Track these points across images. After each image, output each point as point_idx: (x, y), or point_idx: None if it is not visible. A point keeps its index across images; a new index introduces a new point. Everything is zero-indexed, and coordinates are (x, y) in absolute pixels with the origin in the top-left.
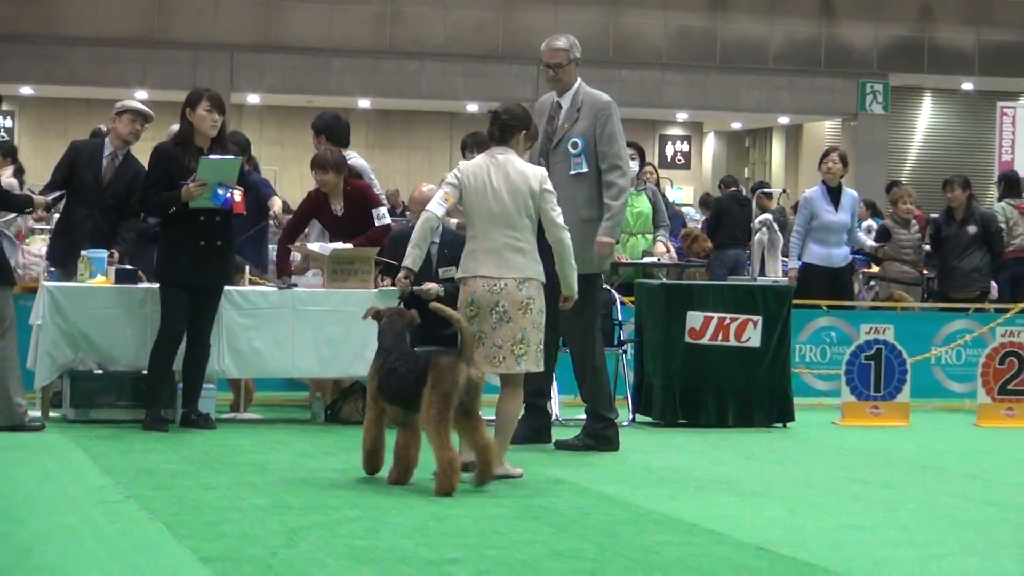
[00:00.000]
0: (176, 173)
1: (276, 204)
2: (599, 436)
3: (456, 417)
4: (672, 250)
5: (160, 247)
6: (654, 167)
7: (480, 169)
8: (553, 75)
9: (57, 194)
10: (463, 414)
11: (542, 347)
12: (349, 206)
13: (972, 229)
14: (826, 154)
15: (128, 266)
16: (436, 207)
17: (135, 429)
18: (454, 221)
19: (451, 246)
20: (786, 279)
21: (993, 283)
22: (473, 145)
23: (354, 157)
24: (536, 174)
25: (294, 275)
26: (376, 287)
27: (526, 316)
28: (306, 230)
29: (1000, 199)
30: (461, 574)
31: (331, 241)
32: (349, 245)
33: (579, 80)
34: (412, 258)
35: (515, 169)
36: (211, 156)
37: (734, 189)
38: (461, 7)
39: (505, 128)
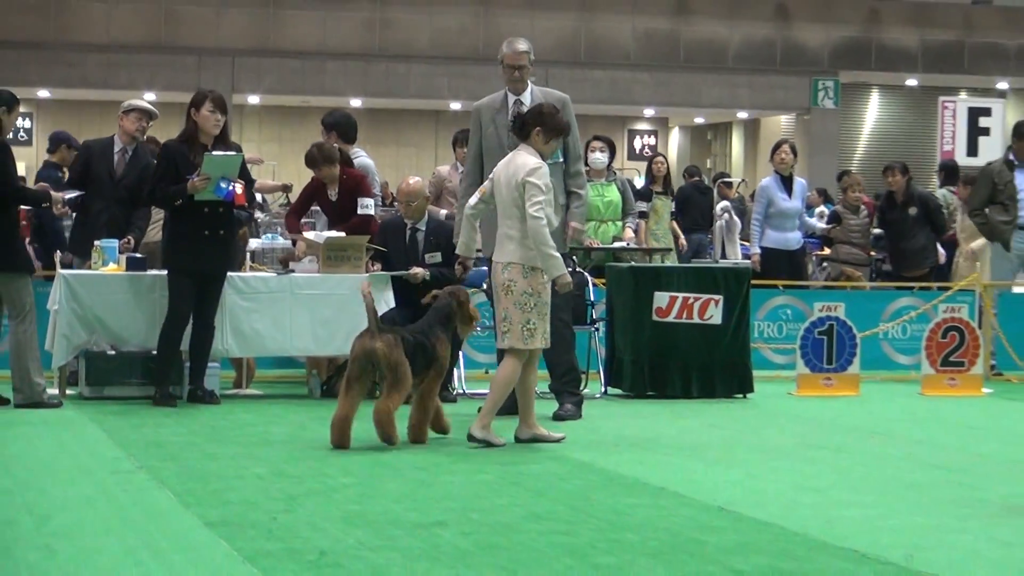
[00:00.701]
0: (182, 168)
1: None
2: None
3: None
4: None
5: (167, 236)
6: None
7: (501, 164)
8: (518, 76)
9: (76, 193)
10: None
11: (532, 326)
12: (343, 193)
13: (913, 211)
14: (778, 146)
15: (139, 254)
16: (472, 199)
17: (146, 405)
18: (443, 212)
19: (436, 233)
20: (748, 262)
21: (941, 251)
22: (463, 140)
23: (360, 156)
24: (526, 166)
25: (291, 262)
26: (367, 272)
27: (508, 297)
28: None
29: (941, 186)
30: (447, 535)
31: (328, 223)
32: (342, 234)
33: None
34: (461, 247)
35: (516, 163)
36: (215, 152)
37: (696, 179)
38: (444, 13)
39: (523, 125)
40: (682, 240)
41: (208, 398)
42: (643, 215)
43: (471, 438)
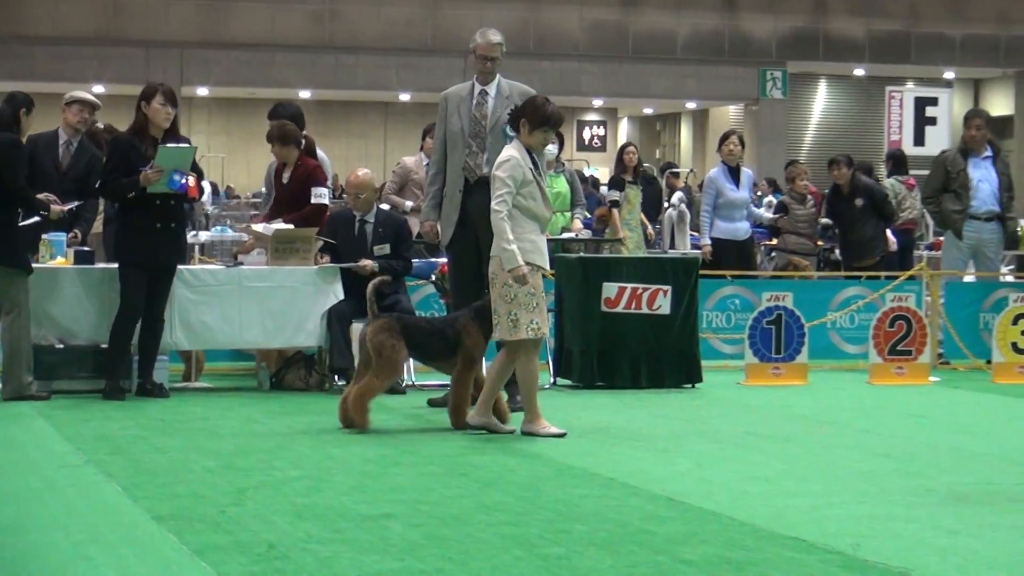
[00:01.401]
0: (134, 160)
1: None
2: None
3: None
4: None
5: (118, 229)
6: None
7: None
8: (490, 67)
9: (74, 203)
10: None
11: (514, 317)
12: (295, 179)
13: (860, 202)
14: (726, 137)
15: (86, 247)
16: None
17: (94, 399)
18: (408, 203)
19: (384, 225)
20: (697, 252)
21: (891, 237)
22: (433, 132)
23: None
24: (498, 159)
25: (240, 254)
26: (316, 264)
27: (493, 290)
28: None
29: (889, 176)
30: (396, 527)
31: (275, 209)
32: (291, 226)
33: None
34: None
35: (498, 157)
36: (168, 145)
37: (645, 166)
38: (393, 4)
39: (513, 119)
40: (650, 230)
41: (157, 391)
42: (615, 204)
43: (467, 425)
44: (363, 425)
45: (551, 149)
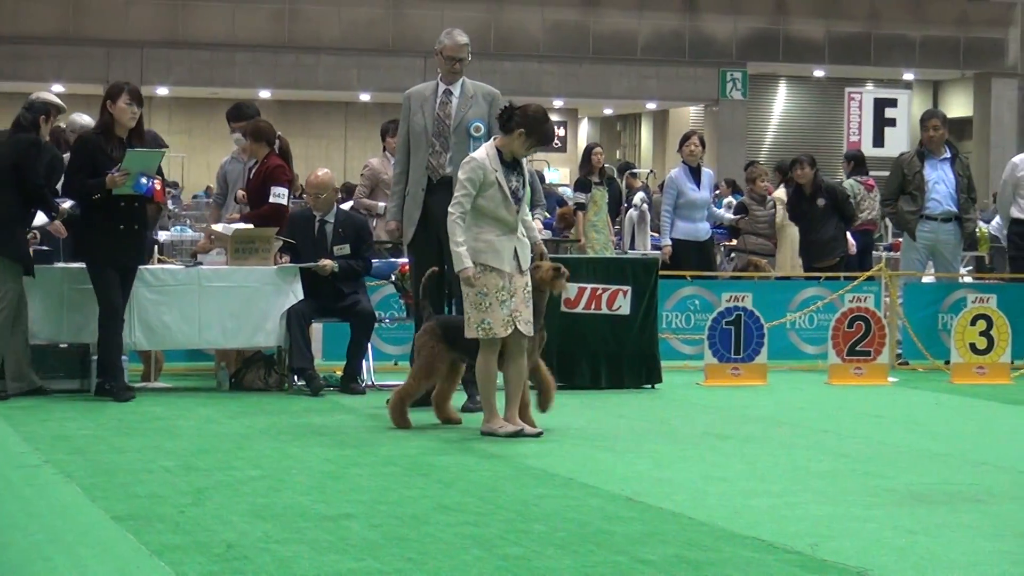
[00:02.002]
0: (99, 161)
1: None
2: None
3: None
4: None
5: (83, 230)
6: None
7: None
8: (457, 68)
9: (70, 203)
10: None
11: (468, 315)
12: (257, 176)
13: (822, 202)
14: (687, 137)
15: (45, 247)
16: None
17: (53, 399)
18: (382, 205)
19: (344, 225)
20: (658, 252)
21: (851, 240)
22: (393, 131)
23: None
24: (463, 160)
25: (199, 254)
26: (275, 264)
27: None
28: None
29: (848, 176)
30: (355, 527)
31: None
32: (251, 225)
33: None
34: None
35: None
36: (137, 148)
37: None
38: (354, 5)
39: (509, 118)
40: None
41: (117, 394)
42: (581, 206)
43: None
44: (401, 426)
45: None
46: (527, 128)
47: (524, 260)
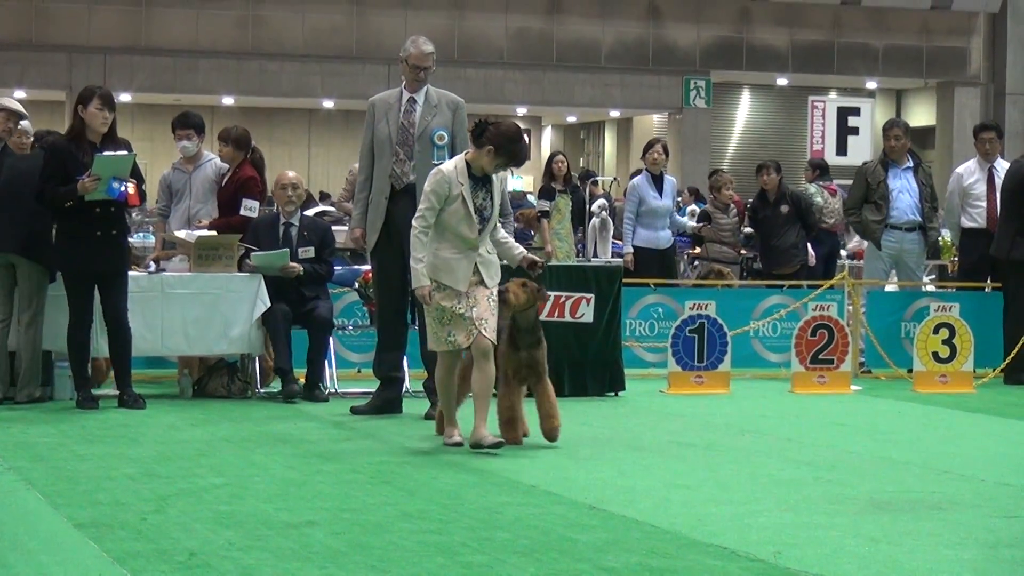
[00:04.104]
0: (71, 168)
1: None
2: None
3: None
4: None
5: (59, 238)
6: None
7: None
8: (422, 76)
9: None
10: None
11: (433, 330)
12: (229, 184)
13: (785, 209)
14: (650, 145)
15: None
16: None
17: (10, 407)
18: (348, 204)
19: (308, 229)
20: (620, 260)
21: (811, 251)
22: None
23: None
24: (430, 172)
25: (162, 261)
26: (239, 271)
27: None
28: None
29: (811, 182)
30: (318, 535)
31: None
32: (213, 232)
33: None
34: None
35: None
36: (106, 152)
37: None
38: (317, 11)
39: (481, 133)
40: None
41: (132, 403)
42: (545, 214)
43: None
44: (509, 441)
45: None
46: (496, 145)
47: (489, 277)
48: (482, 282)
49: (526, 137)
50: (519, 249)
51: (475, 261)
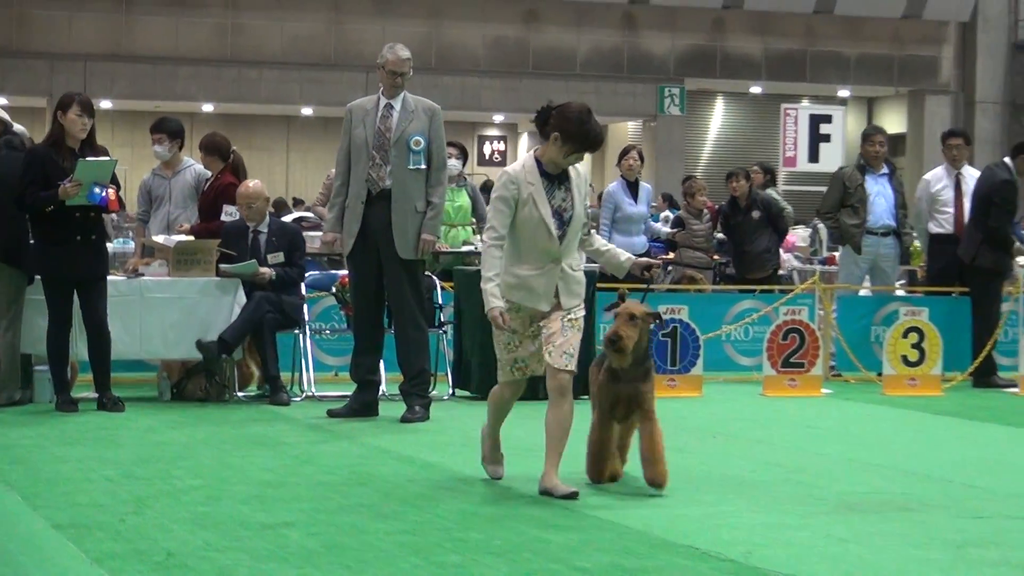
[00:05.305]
0: (51, 173)
1: None
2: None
3: None
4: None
5: (38, 243)
6: None
7: None
8: (399, 82)
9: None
10: None
11: (503, 360)
12: (210, 190)
13: (756, 214)
14: (626, 152)
15: None
16: None
17: None
18: (323, 208)
19: (277, 235)
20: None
21: (783, 255)
22: None
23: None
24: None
25: (140, 267)
26: (217, 275)
27: None
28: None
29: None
30: (294, 536)
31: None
32: (191, 237)
33: None
34: None
35: None
36: (88, 158)
37: None
38: (296, 19)
39: (545, 121)
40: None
41: (112, 406)
42: None
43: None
44: (593, 480)
45: (454, 164)
46: (561, 131)
47: (568, 297)
48: (559, 305)
49: (594, 118)
50: (626, 255)
51: (557, 278)
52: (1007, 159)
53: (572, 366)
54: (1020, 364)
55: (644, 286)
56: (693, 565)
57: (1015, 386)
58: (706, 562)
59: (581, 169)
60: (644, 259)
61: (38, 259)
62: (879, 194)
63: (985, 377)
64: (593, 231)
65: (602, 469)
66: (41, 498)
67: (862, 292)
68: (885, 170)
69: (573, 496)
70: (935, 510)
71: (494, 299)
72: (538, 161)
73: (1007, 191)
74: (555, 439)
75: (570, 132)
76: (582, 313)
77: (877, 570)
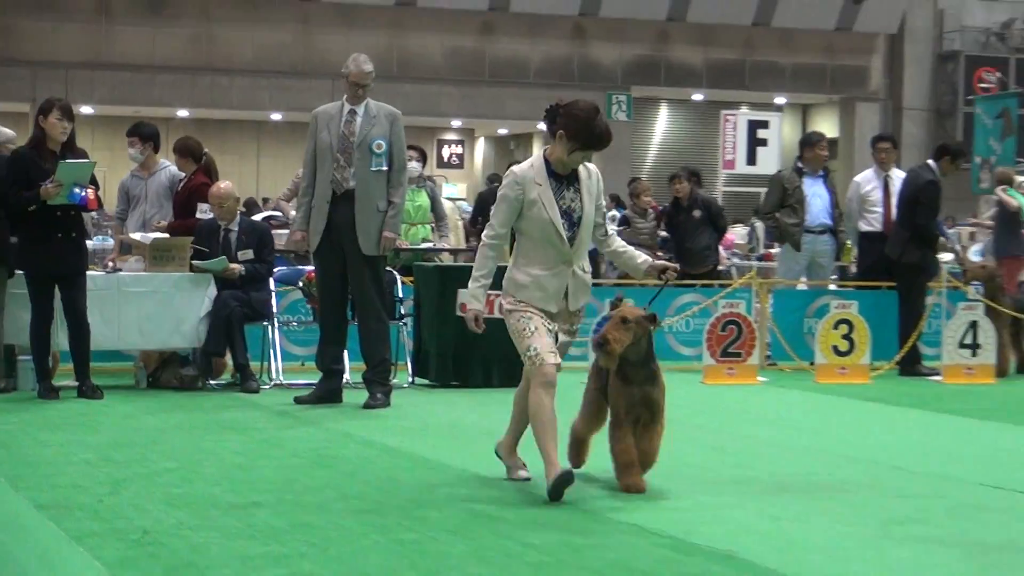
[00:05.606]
0: (33, 174)
1: None
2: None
3: None
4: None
5: (21, 240)
6: None
7: None
8: (362, 93)
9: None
10: None
11: (518, 346)
12: (184, 190)
13: (697, 213)
14: None
15: None
16: None
17: None
18: (293, 213)
19: (247, 232)
20: None
21: (723, 252)
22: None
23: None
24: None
25: (118, 261)
26: (191, 271)
27: None
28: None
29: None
30: (262, 515)
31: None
32: (166, 235)
33: None
34: None
35: None
36: (68, 160)
37: (496, 185)
38: (266, 30)
39: (553, 119)
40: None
41: (91, 393)
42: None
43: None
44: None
45: (414, 166)
46: (566, 130)
47: (575, 300)
48: (566, 307)
49: (602, 116)
50: (642, 257)
51: (567, 281)
52: (930, 161)
53: (557, 360)
54: (943, 354)
55: (592, 280)
56: (635, 541)
57: (938, 374)
58: (648, 539)
59: (593, 168)
60: (660, 262)
61: (21, 255)
62: (816, 195)
63: (910, 366)
64: (612, 232)
65: (635, 473)
66: (24, 480)
67: (800, 286)
68: (821, 172)
69: (568, 480)
70: (863, 490)
71: (475, 301)
72: (547, 161)
73: (931, 191)
74: (523, 421)
75: (575, 130)
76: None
77: (807, 545)
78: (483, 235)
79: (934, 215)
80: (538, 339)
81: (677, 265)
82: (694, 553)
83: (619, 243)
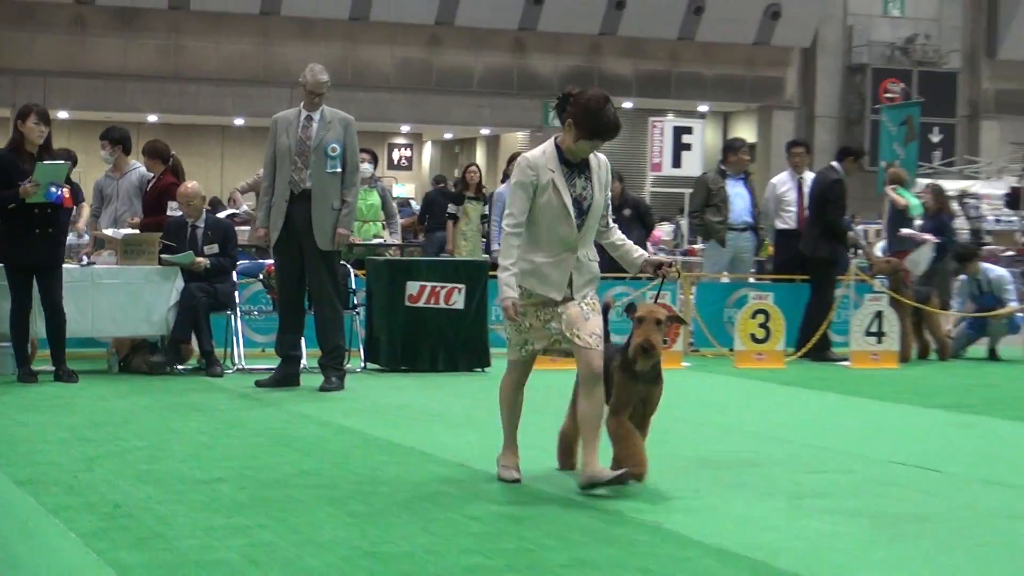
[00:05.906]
0: (12, 174)
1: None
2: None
3: None
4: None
5: (1, 235)
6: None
7: None
8: (317, 101)
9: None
10: None
11: (514, 340)
12: (154, 189)
13: (627, 212)
14: (512, 158)
15: None
16: None
17: None
18: (244, 207)
19: (213, 229)
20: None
21: (650, 249)
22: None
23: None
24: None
25: (92, 256)
26: (159, 264)
27: None
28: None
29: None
30: (225, 489)
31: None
32: (137, 231)
33: None
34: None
35: None
36: (46, 161)
37: (442, 185)
38: (230, 41)
39: (563, 108)
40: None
41: (67, 378)
42: (453, 217)
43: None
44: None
45: (366, 168)
46: (575, 118)
47: (580, 287)
48: (570, 295)
49: (611, 106)
50: (639, 252)
51: (571, 268)
52: (835, 163)
53: (601, 346)
54: (851, 341)
55: (659, 281)
56: (570, 514)
57: (846, 360)
58: (581, 511)
59: (603, 158)
60: (656, 258)
61: (2, 249)
62: (738, 195)
63: (821, 352)
64: (613, 225)
65: (642, 463)
66: (3, 457)
67: (723, 279)
68: (742, 175)
69: (623, 479)
70: (776, 465)
71: (508, 289)
72: (558, 148)
73: (837, 189)
74: (591, 428)
75: (583, 119)
76: (595, 295)
77: (725, 515)
78: (505, 224)
79: (842, 212)
80: (534, 333)
81: (671, 260)
82: (624, 524)
83: (618, 236)
